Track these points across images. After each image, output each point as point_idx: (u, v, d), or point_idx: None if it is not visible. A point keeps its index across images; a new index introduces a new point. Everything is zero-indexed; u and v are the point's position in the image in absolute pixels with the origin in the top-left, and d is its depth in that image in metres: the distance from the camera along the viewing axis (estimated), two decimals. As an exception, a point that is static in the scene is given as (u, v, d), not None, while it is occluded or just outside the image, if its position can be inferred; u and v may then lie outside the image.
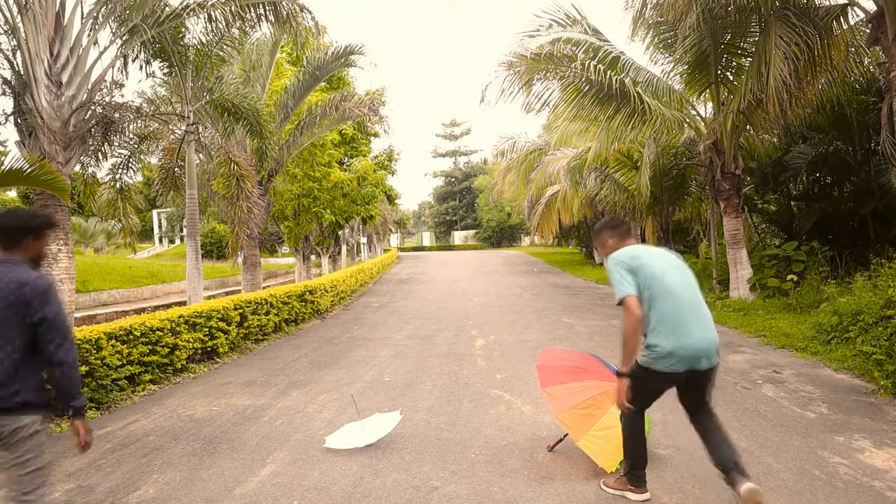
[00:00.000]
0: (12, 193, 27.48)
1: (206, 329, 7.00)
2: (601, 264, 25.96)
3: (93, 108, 7.57)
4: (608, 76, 9.53)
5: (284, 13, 8.60)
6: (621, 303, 2.78)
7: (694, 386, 2.88)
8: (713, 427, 2.90)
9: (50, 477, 2.78)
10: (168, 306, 11.60)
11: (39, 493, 2.22)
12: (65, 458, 3.93)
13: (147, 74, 9.06)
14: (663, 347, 2.75)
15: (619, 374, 2.86)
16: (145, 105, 10.78)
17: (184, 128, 10.21)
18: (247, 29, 9.93)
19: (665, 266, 2.92)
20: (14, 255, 2.30)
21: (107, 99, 8.14)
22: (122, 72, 8.34)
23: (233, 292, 16.19)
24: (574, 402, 3.49)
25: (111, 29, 7.77)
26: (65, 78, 7.07)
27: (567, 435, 3.51)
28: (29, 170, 5.58)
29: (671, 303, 2.80)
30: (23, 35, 6.72)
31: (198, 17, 8.23)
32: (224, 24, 8.36)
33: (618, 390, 2.87)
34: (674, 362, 2.74)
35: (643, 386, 2.87)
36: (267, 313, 8.79)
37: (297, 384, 5.82)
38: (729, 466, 2.72)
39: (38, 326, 2.19)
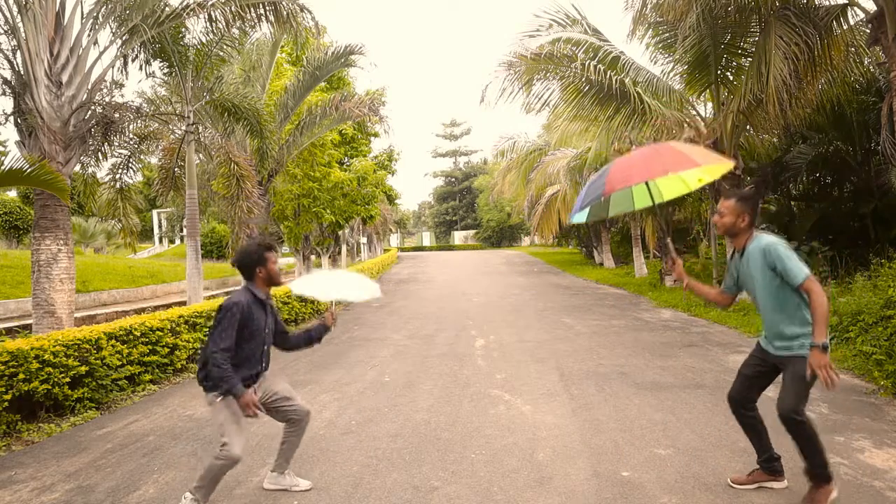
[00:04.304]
0: (12, 193, 27.47)
1: (207, 329, 7.00)
2: (601, 264, 25.96)
3: (93, 108, 7.57)
4: (608, 76, 9.54)
5: (284, 13, 8.60)
6: (804, 281, 2.65)
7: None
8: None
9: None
10: (168, 306, 11.60)
11: None
12: (65, 458, 3.93)
13: (147, 74, 9.07)
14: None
15: (822, 347, 2.57)
16: (145, 105, 10.79)
17: (184, 128, 10.21)
18: (247, 29, 9.94)
19: None
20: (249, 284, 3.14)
21: (107, 99, 8.14)
22: (122, 72, 8.34)
23: (233, 292, 16.16)
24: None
25: (111, 29, 7.76)
26: (65, 78, 7.07)
27: None
28: (29, 170, 5.57)
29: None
30: (23, 35, 6.72)
31: (198, 18, 8.23)
32: (224, 24, 8.36)
33: (820, 365, 2.57)
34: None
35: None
36: (267, 313, 8.77)
37: (297, 384, 5.82)
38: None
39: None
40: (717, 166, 2.95)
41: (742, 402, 3.04)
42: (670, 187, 3.24)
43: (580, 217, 3.32)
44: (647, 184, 3.10)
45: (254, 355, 3.06)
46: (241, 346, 2.99)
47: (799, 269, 2.69)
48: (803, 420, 2.76)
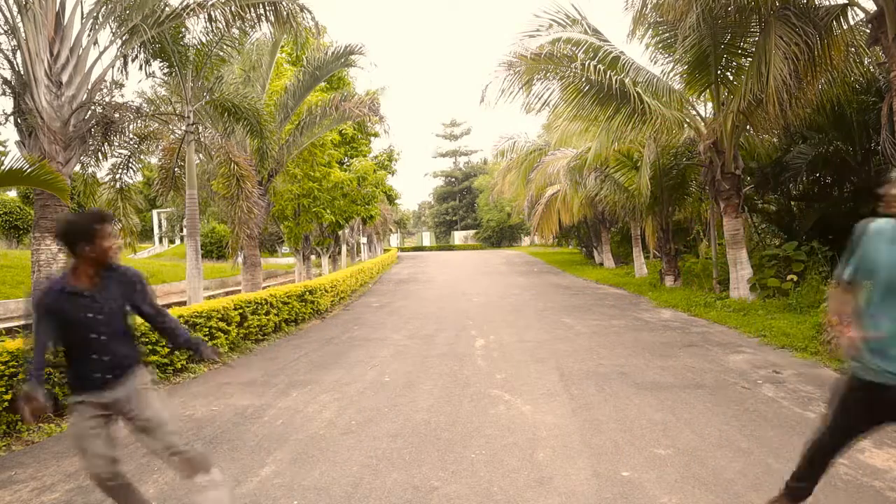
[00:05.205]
0: (12, 193, 27.46)
1: (206, 329, 7.00)
2: (601, 264, 25.97)
3: (93, 108, 7.57)
4: (608, 76, 9.53)
5: (284, 13, 8.61)
6: None
7: None
8: None
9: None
10: (168, 306, 11.58)
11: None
12: (65, 458, 3.93)
13: (147, 74, 9.09)
14: None
15: None
16: (145, 105, 10.79)
17: (184, 128, 10.21)
18: (247, 29, 9.94)
19: None
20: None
21: (107, 99, 8.15)
22: (122, 72, 8.35)
23: (233, 292, 16.18)
24: None
25: (111, 29, 7.77)
26: (65, 78, 7.07)
27: None
28: (29, 170, 5.58)
29: None
30: (23, 35, 6.73)
31: (198, 17, 8.24)
32: (224, 24, 8.37)
33: None
34: None
35: None
36: (267, 313, 8.79)
37: (297, 384, 5.82)
38: None
39: None
40: None
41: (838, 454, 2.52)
42: None
43: None
44: None
45: (82, 353, 2.49)
46: (64, 343, 2.51)
47: None
48: None
